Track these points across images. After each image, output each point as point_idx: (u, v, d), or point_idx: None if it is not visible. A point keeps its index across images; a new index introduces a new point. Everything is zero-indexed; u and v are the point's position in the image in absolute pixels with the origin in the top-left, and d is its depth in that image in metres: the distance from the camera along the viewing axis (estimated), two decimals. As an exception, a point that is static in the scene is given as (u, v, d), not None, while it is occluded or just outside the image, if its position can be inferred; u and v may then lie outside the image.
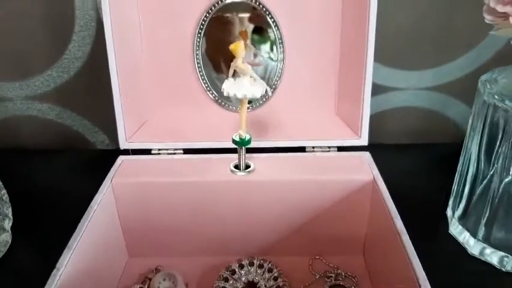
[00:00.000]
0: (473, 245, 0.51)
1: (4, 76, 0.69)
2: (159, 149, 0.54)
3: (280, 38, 0.55)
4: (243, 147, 0.49)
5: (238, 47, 0.43)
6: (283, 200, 0.50)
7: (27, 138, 0.74)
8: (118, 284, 0.50)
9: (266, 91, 0.46)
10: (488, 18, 0.44)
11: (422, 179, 0.64)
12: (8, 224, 0.52)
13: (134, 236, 0.52)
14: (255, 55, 0.55)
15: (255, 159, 0.51)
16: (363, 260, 0.52)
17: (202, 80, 0.57)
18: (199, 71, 0.56)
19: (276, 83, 0.57)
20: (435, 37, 0.66)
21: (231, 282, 0.48)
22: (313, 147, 0.53)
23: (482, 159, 0.49)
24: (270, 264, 0.49)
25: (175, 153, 0.54)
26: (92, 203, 0.46)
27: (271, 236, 0.52)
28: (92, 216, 0.44)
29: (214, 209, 0.50)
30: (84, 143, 0.74)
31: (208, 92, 0.58)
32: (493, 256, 0.50)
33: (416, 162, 0.68)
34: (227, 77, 0.46)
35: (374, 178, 0.48)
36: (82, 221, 0.43)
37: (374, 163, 0.51)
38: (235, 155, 0.50)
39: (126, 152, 0.54)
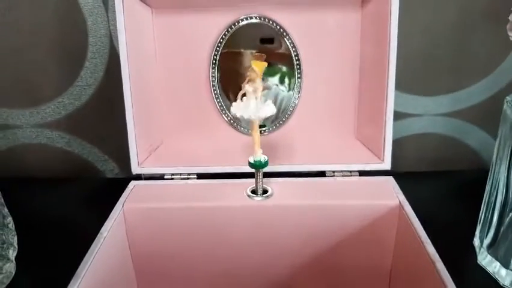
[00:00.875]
0: (504, 276, 0.48)
1: (14, 103, 0.67)
2: (172, 174, 0.51)
3: (298, 60, 0.53)
4: (260, 171, 0.46)
5: (263, 66, 0.41)
6: (303, 226, 0.47)
7: (35, 167, 0.71)
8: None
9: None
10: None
11: (443, 208, 0.60)
12: (12, 253, 0.49)
13: (144, 265, 0.49)
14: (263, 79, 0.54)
15: (272, 184, 0.49)
16: (389, 292, 0.48)
17: (217, 101, 0.55)
18: (214, 93, 0.55)
19: (293, 105, 0.55)
20: (451, 62, 0.64)
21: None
22: (333, 172, 0.51)
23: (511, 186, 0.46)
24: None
25: (188, 178, 0.51)
26: (103, 229, 0.43)
27: (289, 265, 0.49)
28: (102, 243, 0.41)
29: (230, 237, 0.47)
30: (93, 171, 0.72)
31: (222, 115, 0.56)
32: (526, 287, 0.46)
33: (436, 190, 0.65)
34: (235, 99, 0.44)
35: (400, 203, 0.45)
36: (91, 247, 0.40)
37: (398, 188, 0.48)
38: (252, 180, 0.47)
39: (138, 177, 0.52)
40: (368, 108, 0.53)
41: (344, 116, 0.55)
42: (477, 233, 0.52)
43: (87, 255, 0.39)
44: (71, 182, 0.68)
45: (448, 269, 0.38)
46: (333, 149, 0.53)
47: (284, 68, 0.54)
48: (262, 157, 0.45)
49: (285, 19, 0.52)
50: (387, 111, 0.49)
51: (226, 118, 0.56)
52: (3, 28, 0.63)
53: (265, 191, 0.48)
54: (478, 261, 0.51)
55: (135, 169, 0.51)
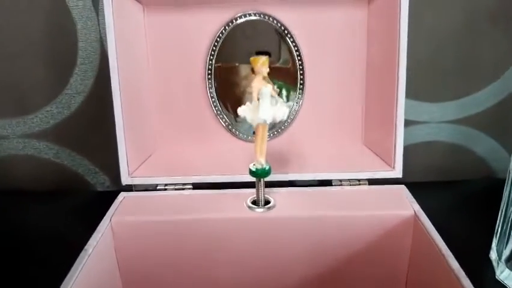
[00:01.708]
0: (526, 291, 0.43)
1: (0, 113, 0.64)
2: (166, 184, 0.48)
3: (300, 60, 0.49)
4: (262, 179, 0.42)
5: (262, 62, 0.37)
6: (308, 240, 0.43)
7: (22, 179, 0.67)
8: None
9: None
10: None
11: (453, 220, 0.57)
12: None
13: (134, 283, 0.45)
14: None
15: (274, 194, 0.45)
16: (404, 310, 0.44)
17: (214, 105, 0.52)
18: (211, 96, 0.51)
19: (295, 109, 0.51)
20: (457, 67, 0.61)
21: None
22: (340, 181, 0.47)
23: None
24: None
25: (183, 189, 0.47)
26: (88, 245, 0.39)
27: (293, 284, 0.45)
28: (87, 260, 0.37)
29: (228, 253, 0.43)
30: (83, 184, 0.68)
31: (219, 120, 0.52)
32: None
33: (445, 201, 0.62)
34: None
35: (415, 213, 0.41)
36: (75, 265, 0.36)
37: (412, 197, 0.44)
38: (252, 190, 0.44)
39: (129, 188, 0.48)
40: (376, 112, 0.49)
41: (350, 121, 0.52)
42: (493, 246, 0.49)
43: (70, 273, 0.35)
44: (59, 195, 0.65)
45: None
46: (340, 156, 0.50)
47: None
48: (264, 164, 0.41)
49: (286, 16, 0.49)
50: (398, 115, 0.45)
51: (223, 123, 0.52)
52: (-14, 33, 0.60)
53: (267, 202, 0.44)
54: (496, 276, 0.47)
55: (125, 179, 0.47)
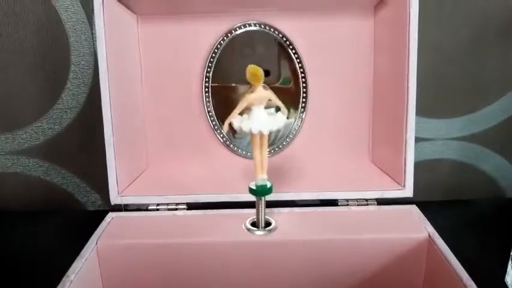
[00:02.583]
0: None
1: (-13, 128, 0.61)
2: (158, 204, 0.44)
3: (303, 72, 0.46)
4: (263, 198, 0.39)
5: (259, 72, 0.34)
6: (313, 265, 0.39)
7: (9, 198, 0.64)
8: None
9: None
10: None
11: (464, 242, 0.54)
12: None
13: None
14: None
15: (275, 215, 0.42)
16: None
17: (211, 120, 0.49)
18: (208, 110, 0.48)
19: (297, 124, 0.49)
20: (464, 82, 0.59)
21: None
22: (347, 200, 0.43)
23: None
24: None
25: (177, 209, 0.44)
26: (70, 271, 0.35)
27: None
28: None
29: (226, 279, 0.40)
30: (74, 203, 0.65)
31: (217, 135, 0.49)
32: None
33: (453, 222, 0.59)
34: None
35: (430, 236, 0.38)
36: None
37: (425, 218, 0.41)
38: (251, 211, 0.41)
39: (118, 208, 0.44)
40: (384, 127, 0.47)
41: (356, 136, 0.49)
42: (509, 270, 0.45)
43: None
44: (48, 215, 0.61)
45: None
46: (346, 173, 0.46)
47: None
48: (265, 182, 0.38)
49: (288, 26, 0.46)
50: (408, 130, 0.42)
51: (220, 138, 0.49)
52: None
53: (267, 224, 0.41)
54: (514, 303, 0.44)
55: (114, 198, 0.44)
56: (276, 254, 0.39)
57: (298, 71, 0.46)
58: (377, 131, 0.48)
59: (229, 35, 0.46)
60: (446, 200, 0.64)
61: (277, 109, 0.38)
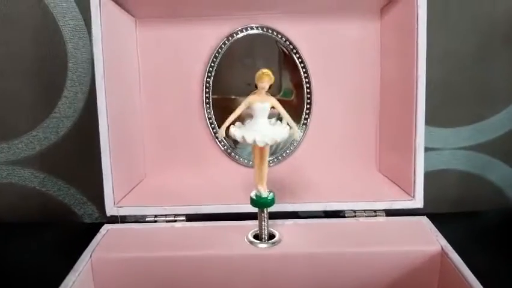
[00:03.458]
0: None
1: (-18, 138, 0.60)
2: (156, 216, 0.43)
3: (307, 78, 0.45)
4: (265, 210, 0.37)
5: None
6: (318, 280, 0.38)
7: (3, 209, 0.62)
8: None
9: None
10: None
11: (473, 255, 0.51)
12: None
13: None
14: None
15: (279, 227, 0.40)
16: None
17: (211, 127, 0.47)
18: (208, 118, 0.47)
19: (301, 131, 0.47)
20: (472, 90, 0.58)
21: None
22: (354, 211, 0.42)
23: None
24: None
25: (175, 221, 0.43)
26: (62, 286, 0.34)
27: None
28: None
29: None
30: (70, 215, 0.63)
31: (218, 143, 0.48)
32: None
33: (462, 234, 0.57)
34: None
35: (442, 249, 0.36)
36: None
37: (436, 230, 0.39)
38: (254, 222, 0.40)
39: (114, 219, 0.43)
40: (392, 135, 0.45)
41: (362, 144, 0.47)
42: None
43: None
44: (43, 228, 0.59)
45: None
46: (352, 183, 0.45)
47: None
48: (267, 192, 0.36)
49: (291, 30, 0.45)
50: (417, 137, 0.40)
51: (221, 146, 0.48)
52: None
53: (271, 236, 0.39)
54: (531, 321, 0.41)
55: (110, 209, 0.42)
56: (281, 268, 0.37)
57: (303, 76, 0.45)
58: (385, 138, 0.46)
59: (230, 38, 0.44)
60: (452, 212, 0.61)
61: (279, 118, 0.36)
